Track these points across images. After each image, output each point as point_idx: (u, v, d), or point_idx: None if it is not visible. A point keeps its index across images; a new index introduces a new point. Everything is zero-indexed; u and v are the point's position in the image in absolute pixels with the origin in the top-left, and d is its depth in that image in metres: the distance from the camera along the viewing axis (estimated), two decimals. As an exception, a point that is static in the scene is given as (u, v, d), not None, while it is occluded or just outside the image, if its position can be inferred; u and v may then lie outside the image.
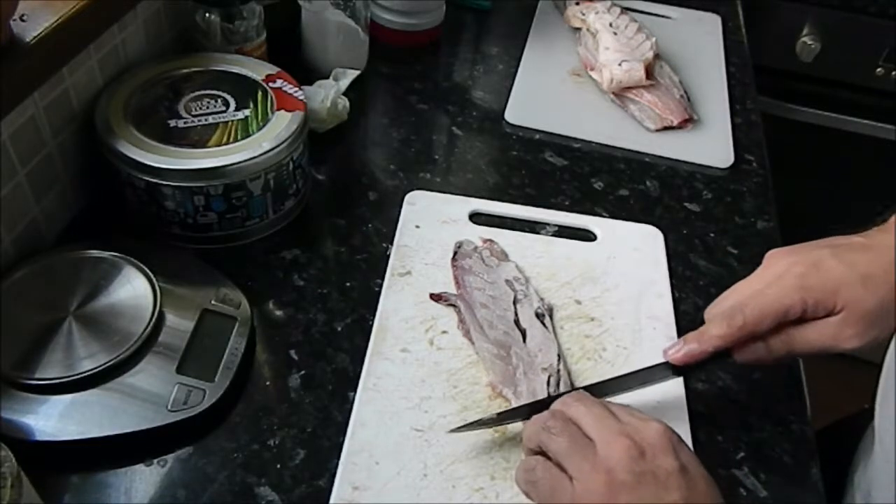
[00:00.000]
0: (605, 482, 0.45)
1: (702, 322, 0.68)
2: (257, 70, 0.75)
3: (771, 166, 0.87)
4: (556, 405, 0.51)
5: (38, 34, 0.59)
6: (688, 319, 0.68)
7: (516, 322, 0.64)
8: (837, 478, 0.65)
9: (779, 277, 0.56)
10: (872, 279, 0.54)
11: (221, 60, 0.76)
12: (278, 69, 0.76)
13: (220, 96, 0.71)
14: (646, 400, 0.59)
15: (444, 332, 0.64)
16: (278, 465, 0.55)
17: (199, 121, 0.69)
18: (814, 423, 0.62)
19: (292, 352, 0.63)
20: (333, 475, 0.54)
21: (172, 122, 0.68)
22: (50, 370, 0.54)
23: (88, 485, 0.53)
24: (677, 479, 0.45)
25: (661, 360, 0.59)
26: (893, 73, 1.31)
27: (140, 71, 0.73)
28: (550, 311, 0.66)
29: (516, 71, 0.95)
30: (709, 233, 0.77)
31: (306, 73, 0.86)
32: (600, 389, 0.57)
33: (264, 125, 0.69)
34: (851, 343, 0.54)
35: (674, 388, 0.61)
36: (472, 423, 0.55)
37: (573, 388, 0.60)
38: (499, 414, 0.56)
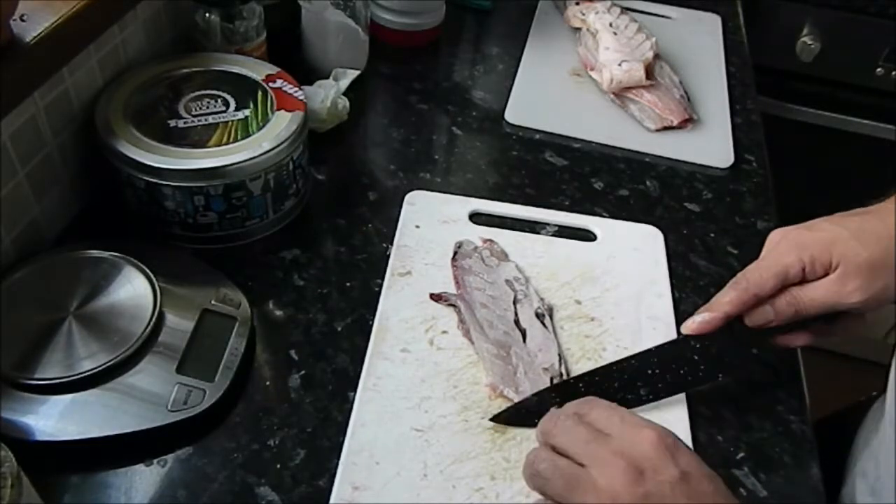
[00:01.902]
0: None
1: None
2: (257, 70, 0.75)
3: (771, 166, 0.87)
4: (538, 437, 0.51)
5: (38, 34, 0.59)
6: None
7: (516, 322, 0.64)
8: (833, 469, 0.65)
9: (776, 244, 0.59)
10: (865, 233, 0.56)
11: (221, 60, 0.76)
12: (278, 69, 0.76)
13: (220, 96, 0.71)
14: (645, 399, 0.59)
15: (444, 332, 0.64)
16: (278, 465, 0.55)
17: (199, 121, 0.69)
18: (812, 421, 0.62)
19: (292, 352, 0.63)
20: (333, 475, 0.54)
21: (172, 122, 0.68)
22: (50, 370, 0.54)
23: (88, 485, 0.53)
24: (681, 489, 0.45)
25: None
26: (893, 73, 1.31)
27: (140, 71, 0.73)
28: (550, 311, 0.66)
29: (516, 71, 0.95)
30: (709, 233, 0.77)
31: (306, 73, 0.86)
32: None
33: (264, 125, 0.69)
34: (855, 297, 0.55)
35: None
36: (510, 409, 0.57)
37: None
38: (536, 394, 0.58)
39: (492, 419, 0.58)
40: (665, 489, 0.45)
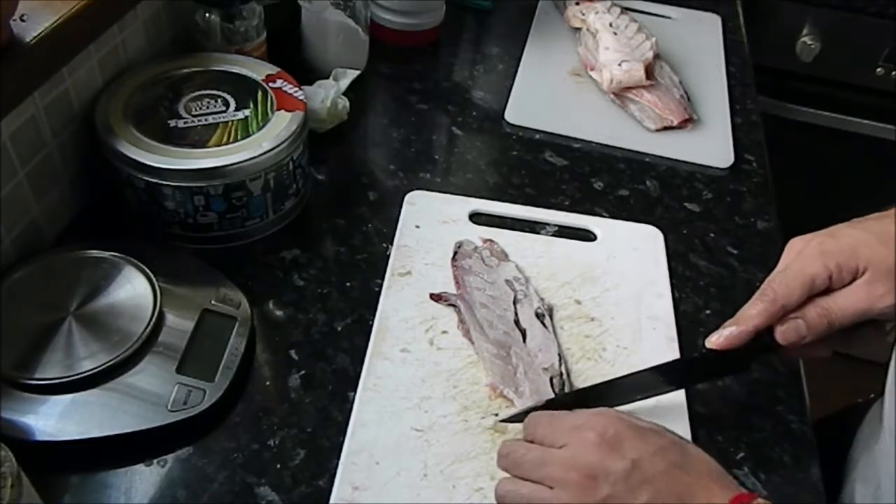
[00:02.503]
0: None
1: (702, 322, 0.68)
2: (257, 70, 0.75)
3: (771, 166, 0.87)
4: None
5: (38, 34, 0.59)
6: (688, 319, 0.68)
7: (516, 322, 0.64)
8: (832, 470, 0.65)
9: (799, 253, 0.57)
10: (889, 237, 0.55)
11: (221, 60, 0.76)
12: (278, 69, 0.76)
13: (220, 96, 0.71)
14: (645, 400, 0.59)
15: (444, 332, 0.64)
16: (278, 465, 0.55)
17: (199, 121, 0.69)
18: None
19: (292, 352, 0.63)
20: (333, 475, 0.54)
21: (172, 122, 0.68)
22: (50, 370, 0.54)
23: (88, 485, 0.53)
24: (636, 477, 0.46)
25: (665, 359, 0.59)
26: (893, 73, 1.31)
27: (140, 71, 0.73)
28: (550, 311, 0.66)
29: (516, 71, 0.95)
30: (709, 233, 0.77)
31: (306, 73, 0.86)
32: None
33: (264, 125, 0.69)
34: (886, 301, 0.54)
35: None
36: (520, 414, 0.57)
37: (572, 388, 0.60)
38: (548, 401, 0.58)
39: (503, 420, 0.58)
40: (620, 486, 0.46)
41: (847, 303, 0.55)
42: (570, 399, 0.58)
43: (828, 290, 0.56)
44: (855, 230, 0.57)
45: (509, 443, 0.53)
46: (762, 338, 0.57)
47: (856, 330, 0.57)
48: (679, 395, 0.61)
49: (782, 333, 0.56)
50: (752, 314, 0.56)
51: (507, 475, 0.52)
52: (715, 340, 0.57)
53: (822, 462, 0.59)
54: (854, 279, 0.55)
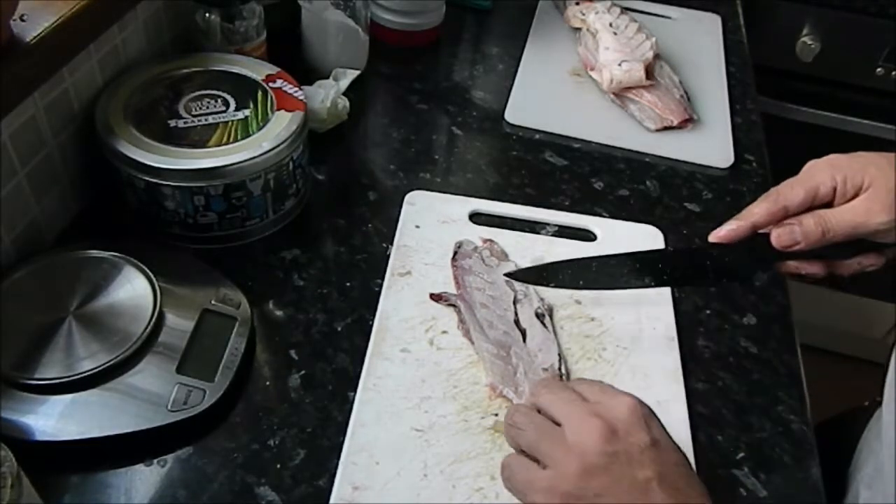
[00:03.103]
0: (578, 465, 0.45)
1: (702, 322, 0.68)
2: (257, 70, 0.75)
3: (771, 166, 0.87)
4: (526, 398, 0.53)
5: (38, 34, 0.59)
6: (688, 319, 0.68)
7: (516, 322, 0.64)
8: (835, 474, 0.65)
9: (811, 166, 0.60)
10: None
11: (221, 60, 0.76)
12: (278, 69, 0.76)
13: (220, 96, 0.71)
14: (645, 400, 0.59)
15: (444, 332, 0.64)
16: (278, 465, 0.55)
17: (199, 121, 0.69)
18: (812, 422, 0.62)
19: (292, 352, 0.63)
20: (333, 475, 0.54)
21: (172, 122, 0.68)
22: (50, 370, 0.54)
23: (88, 485, 0.53)
24: (650, 454, 0.46)
25: (666, 359, 0.59)
26: (893, 73, 1.31)
27: (140, 71, 0.73)
28: (550, 311, 0.66)
29: (516, 71, 0.95)
30: (709, 233, 0.77)
31: (306, 73, 0.86)
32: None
33: (264, 125, 0.69)
34: (880, 217, 0.55)
35: (674, 387, 0.61)
36: None
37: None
38: None
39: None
40: (634, 451, 0.46)
41: (844, 215, 0.57)
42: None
43: (830, 205, 0.58)
44: (870, 153, 0.59)
45: (545, 379, 0.54)
46: (762, 249, 0.59)
47: (853, 254, 0.59)
48: (679, 395, 0.61)
49: (777, 236, 0.58)
50: (754, 211, 0.59)
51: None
52: (716, 233, 0.60)
53: (823, 465, 0.59)
54: (857, 195, 0.57)
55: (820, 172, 0.58)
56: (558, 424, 0.48)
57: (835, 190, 0.57)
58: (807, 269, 0.60)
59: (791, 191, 0.58)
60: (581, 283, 0.63)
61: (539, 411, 0.50)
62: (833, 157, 0.59)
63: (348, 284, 0.68)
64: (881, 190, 0.56)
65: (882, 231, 0.56)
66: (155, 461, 0.55)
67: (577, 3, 1.01)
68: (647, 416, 0.48)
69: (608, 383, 0.52)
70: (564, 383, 0.53)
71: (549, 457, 0.47)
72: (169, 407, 0.55)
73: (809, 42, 1.30)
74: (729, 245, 0.60)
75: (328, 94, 0.80)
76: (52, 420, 0.53)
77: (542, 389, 0.52)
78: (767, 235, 0.59)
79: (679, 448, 0.48)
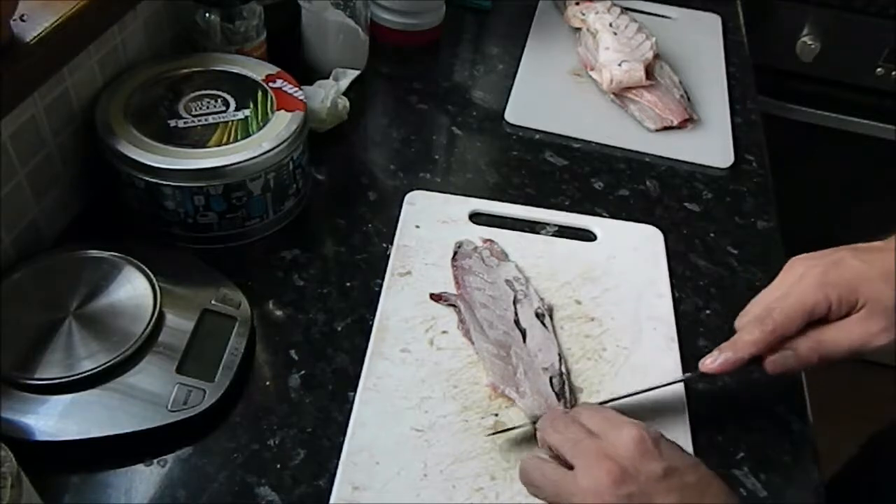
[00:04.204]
0: None
1: (702, 322, 0.68)
2: (257, 70, 0.75)
3: (771, 166, 0.87)
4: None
5: (38, 34, 0.59)
6: (688, 319, 0.68)
7: (516, 322, 0.64)
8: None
9: (800, 278, 0.57)
10: (892, 275, 0.54)
11: (221, 60, 0.76)
12: (278, 69, 0.76)
13: (220, 96, 0.71)
14: (645, 400, 0.59)
15: (444, 332, 0.64)
16: (278, 465, 0.55)
17: (199, 121, 0.69)
18: (815, 425, 0.62)
19: (292, 352, 0.63)
20: (333, 475, 0.54)
21: (172, 122, 0.68)
22: (50, 370, 0.54)
23: (88, 485, 0.53)
24: (666, 484, 0.46)
25: (665, 359, 0.59)
26: (893, 73, 1.31)
27: (140, 71, 0.73)
28: (550, 311, 0.66)
29: (516, 71, 0.95)
30: (709, 233, 0.77)
31: (306, 73, 0.86)
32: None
33: (264, 125, 0.69)
34: (881, 339, 0.54)
35: (674, 387, 0.61)
36: (509, 429, 0.57)
37: (572, 388, 0.60)
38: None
39: (492, 434, 0.57)
40: (649, 488, 0.46)
41: (840, 337, 0.55)
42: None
43: (824, 320, 0.55)
44: (859, 262, 0.56)
45: (553, 411, 0.54)
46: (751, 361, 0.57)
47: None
48: (679, 395, 0.61)
49: (772, 363, 0.56)
50: (748, 341, 0.56)
51: (531, 456, 0.52)
52: (709, 364, 0.57)
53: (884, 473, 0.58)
54: (850, 313, 0.55)
55: (813, 293, 0.55)
56: (570, 464, 0.49)
57: (829, 308, 0.55)
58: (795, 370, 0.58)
59: (787, 319, 0.55)
60: None
61: (551, 448, 0.52)
62: (822, 272, 0.56)
63: (348, 284, 0.68)
64: (877, 311, 0.54)
65: (880, 352, 0.54)
66: (155, 461, 0.54)
67: (577, 3, 1.01)
68: (655, 441, 0.48)
69: (610, 409, 0.52)
70: (569, 417, 0.52)
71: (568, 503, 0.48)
72: (169, 407, 0.55)
73: (809, 42, 1.30)
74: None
75: (328, 94, 0.80)
76: (52, 420, 0.53)
77: (549, 428, 0.52)
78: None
79: (695, 462, 0.48)
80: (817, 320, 0.55)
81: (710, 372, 0.57)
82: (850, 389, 1.50)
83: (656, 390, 0.59)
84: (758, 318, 0.56)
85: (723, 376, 0.63)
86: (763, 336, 0.55)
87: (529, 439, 0.57)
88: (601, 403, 0.58)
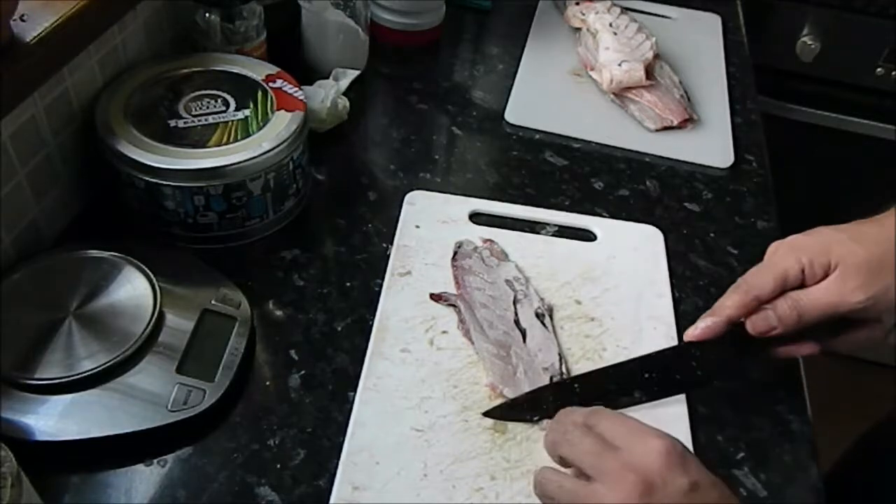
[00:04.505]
0: None
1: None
2: (257, 70, 0.75)
3: (771, 166, 0.87)
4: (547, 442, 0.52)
5: (38, 34, 0.59)
6: (688, 319, 0.68)
7: (516, 322, 0.64)
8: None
9: (775, 250, 0.59)
10: (863, 235, 0.57)
11: (221, 60, 0.76)
12: (278, 69, 0.76)
13: (220, 96, 0.71)
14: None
15: (444, 332, 0.64)
16: (278, 465, 0.55)
17: (199, 121, 0.69)
18: (815, 425, 0.62)
19: (292, 352, 0.63)
20: (333, 475, 0.54)
21: (172, 122, 0.68)
22: (50, 370, 0.54)
23: (88, 485, 0.53)
24: (690, 499, 0.45)
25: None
26: (893, 73, 1.31)
27: (140, 71, 0.73)
28: (550, 311, 0.66)
29: (516, 71, 0.95)
30: (709, 233, 0.77)
31: (306, 73, 0.86)
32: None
33: (264, 125, 0.69)
34: (856, 296, 0.55)
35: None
36: (503, 405, 0.57)
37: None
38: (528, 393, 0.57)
39: (485, 414, 0.58)
40: (675, 502, 0.45)
41: (817, 295, 0.56)
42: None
43: (801, 286, 0.57)
44: (829, 230, 0.59)
45: (562, 421, 0.51)
46: (746, 341, 0.58)
47: (844, 330, 0.59)
48: (679, 395, 0.61)
49: (752, 323, 0.58)
50: (726, 305, 0.58)
51: (548, 465, 0.51)
52: (691, 332, 0.59)
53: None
54: (826, 275, 0.56)
55: (784, 258, 0.57)
56: (588, 477, 0.47)
57: (803, 272, 0.56)
58: (800, 351, 0.60)
59: (760, 280, 0.57)
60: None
61: (564, 461, 0.50)
62: (794, 239, 0.59)
63: (348, 284, 0.68)
64: (850, 269, 0.55)
65: (860, 310, 0.55)
66: (155, 461, 0.55)
67: (577, 3, 1.01)
68: (682, 455, 0.47)
69: (631, 417, 0.50)
70: (585, 426, 0.50)
71: None
72: (169, 407, 0.55)
73: (809, 42, 1.30)
74: (710, 342, 0.58)
75: (328, 94, 0.80)
76: (52, 420, 0.53)
77: (563, 439, 0.50)
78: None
79: (716, 480, 0.47)
80: (796, 288, 0.57)
81: (694, 339, 0.59)
82: (850, 389, 1.51)
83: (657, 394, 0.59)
84: (734, 285, 0.59)
85: (722, 377, 0.63)
86: (738, 297, 0.58)
87: (530, 437, 0.57)
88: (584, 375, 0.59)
